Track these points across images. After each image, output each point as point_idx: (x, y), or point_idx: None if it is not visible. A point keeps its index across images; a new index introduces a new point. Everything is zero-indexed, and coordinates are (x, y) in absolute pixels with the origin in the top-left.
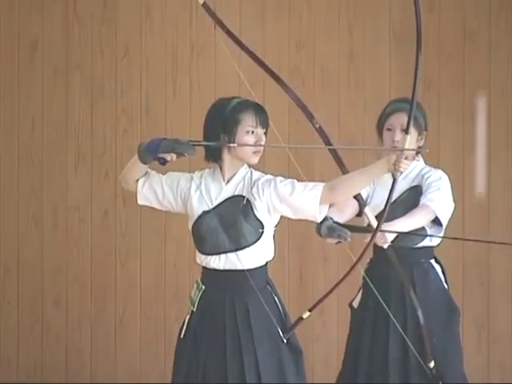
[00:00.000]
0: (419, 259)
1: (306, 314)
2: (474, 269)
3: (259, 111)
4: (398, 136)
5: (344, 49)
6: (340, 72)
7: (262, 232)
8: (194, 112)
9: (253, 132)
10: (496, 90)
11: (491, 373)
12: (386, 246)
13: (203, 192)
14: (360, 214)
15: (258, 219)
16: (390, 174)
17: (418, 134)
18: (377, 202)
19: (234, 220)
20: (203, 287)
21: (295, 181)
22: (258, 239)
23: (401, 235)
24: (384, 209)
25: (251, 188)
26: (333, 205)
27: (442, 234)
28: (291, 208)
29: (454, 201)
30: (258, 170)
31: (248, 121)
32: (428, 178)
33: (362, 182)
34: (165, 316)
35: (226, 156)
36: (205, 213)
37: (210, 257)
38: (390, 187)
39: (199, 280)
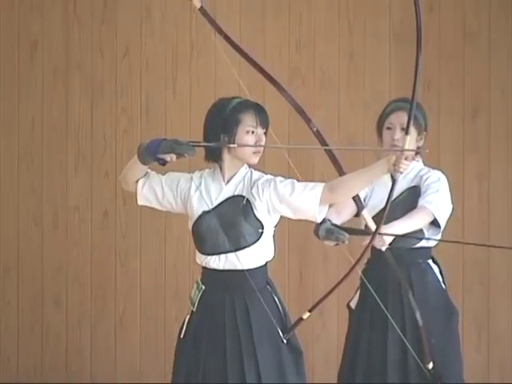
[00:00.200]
0: (417, 260)
1: (306, 315)
2: (474, 269)
3: (259, 111)
4: (398, 135)
5: (344, 49)
6: (340, 72)
7: (262, 232)
8: (194, 112)
9: (253, 132)
10: (496, 90)
11: (491, 373)
12: (383, 249)
13: (203, 192)
14: (358, 214)
15: (257, 219)
16: (389, 174)
17: (417, 134)
18: (375, 202)
19: (233, 220)
20: (203, 287)
21: (295, 181)
22: (258, 239)
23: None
24: (384, 210)
25: (251, 188)
26: (332, 205)
27: (440, 235)
28: (291, 208)
29: (453, 201)
30: (258, 170)
31: (248, 121)
32: (427, 179)
33: (362, 182)
34: (165, 316)
35: (226, 156)
36: (205, 213)
37: (209, 257)
38: (388, 187)
39: (199, 280)
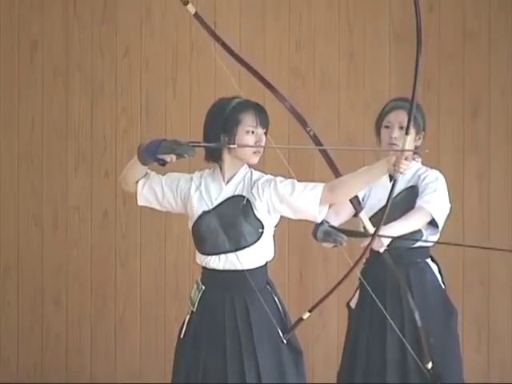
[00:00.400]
0: (415, 259)
1: (306, 315)
2: (474, 269)
3: (259, 111)
4: (396, 133)
5: (344, 49)
6: (340, 72)
7: (262, 232)
8: (194, 112)
9: (253, 132)
10: (496, 90)
11: (491, 373)
12: (382, 250)
13: (203, 192)
14: (356, 214)
15: (257, 219)
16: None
17: (415, 134)
18: (373, 202)
19: (233, 220)
20: (203, 287)
21: (295, 181)
22: (258, 239)
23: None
24: (382, 210)
25: (251, 188)
26: (332, 205)
27: (438, 234)
28: (291, 208)
29: (453, 201)
30: (258, 170)
31: (248, 121)
32: (424, 178)
33: (362, 182)
34: (165, 316)
35: (226, 156)
36: (205, 213)
37: (209, 257)
38: (386, 187)
39: (199, 280)
